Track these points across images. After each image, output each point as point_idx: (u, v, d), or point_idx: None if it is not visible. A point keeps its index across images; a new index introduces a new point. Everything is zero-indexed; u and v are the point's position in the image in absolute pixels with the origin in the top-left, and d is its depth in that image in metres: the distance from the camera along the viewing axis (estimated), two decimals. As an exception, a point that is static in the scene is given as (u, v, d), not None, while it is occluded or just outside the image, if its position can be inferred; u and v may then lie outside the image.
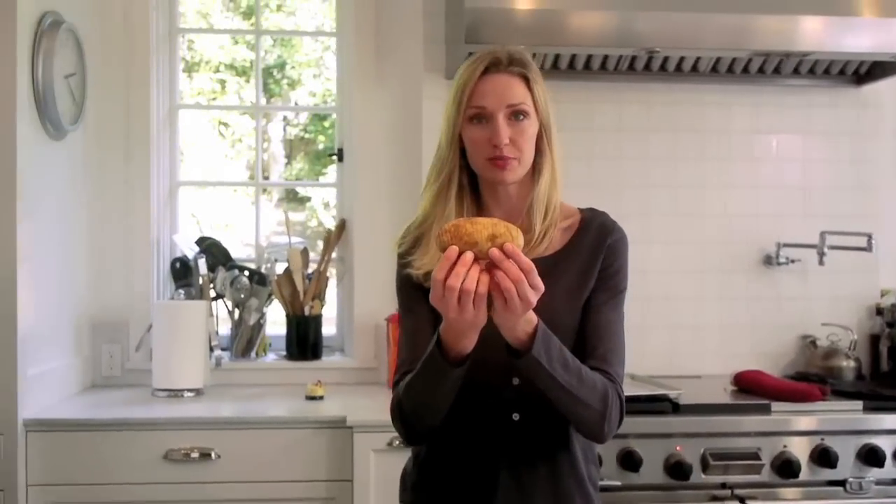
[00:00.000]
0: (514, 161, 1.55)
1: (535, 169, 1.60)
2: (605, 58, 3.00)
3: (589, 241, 1.63)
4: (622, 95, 3.13)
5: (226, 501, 2.49)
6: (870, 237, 2.94)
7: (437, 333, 1.44)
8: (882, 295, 3.20)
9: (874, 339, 3.16)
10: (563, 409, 1.49)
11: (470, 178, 1.62)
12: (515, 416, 1.57)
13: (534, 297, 1.33)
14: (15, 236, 2.42)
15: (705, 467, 2.49)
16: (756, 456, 2.50)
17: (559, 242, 1.62)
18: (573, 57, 2.99)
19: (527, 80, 1.57)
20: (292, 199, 4.07)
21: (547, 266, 1.55)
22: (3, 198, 2.42)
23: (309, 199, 4.29)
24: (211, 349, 2.97)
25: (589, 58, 3.00)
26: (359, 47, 3.19)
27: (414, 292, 1.62)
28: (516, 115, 1.55)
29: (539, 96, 1.58)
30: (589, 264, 1.61)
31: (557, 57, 2.98)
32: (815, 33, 2.77)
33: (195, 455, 2.50)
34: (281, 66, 4.23)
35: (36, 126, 2.60)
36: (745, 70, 3.09)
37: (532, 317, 1.40)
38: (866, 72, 3.14)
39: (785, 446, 2.52)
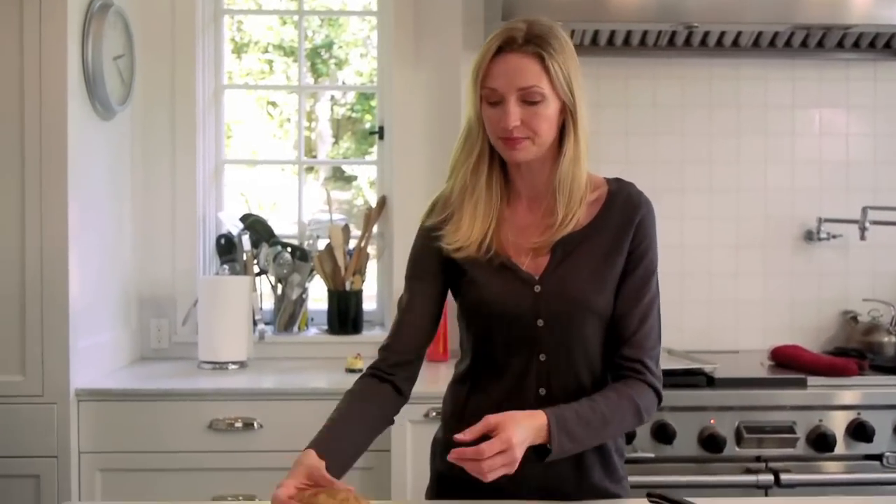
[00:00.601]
0: (525, 141, 1.55)
1: (559, 147, 1.60)
2: (644, 34, 3.00)
3: (616, 217, 1.62)
4: (658, 71, 3.13)
5: (267, 469, 2.53)
6: (912, 212, 2.91)
7: None
8: (925, 271, 3.17)
9: (915, 315, 3.13)
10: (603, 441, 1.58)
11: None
12: (542, 391, 1.60)
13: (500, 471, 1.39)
14: (66, 213, 2.51)
15: (739, 440, 2.51)
16: (791, 430, 2.51)
17: (586, 217, 1.62)
18: (612, 33, 2.99)
19: (542, 60, 1.53)
20: (339, 177, 4.12)
21: (574, 242, 1.58)
22: (54, 177, 2.51)
23: (355, 177, 4.34)
24: (254, 323, 3.04)
25: (628, 34, 3.00)
26: (399, 27, 3.22)
27: (429, 265, 1.66)
28: (529, 97, 1.53)
29: (557, 75, 1.53)
30: (616, 240, 1.61)
31: (597, 33, 2.98)
32: (860, 6, 2.75)
33: (238, 425, 2.58)
34: (328, 45, 4.28)
35: (86, 107, 2.69)
36: (787, 44, 3.06)
37: (534, 425, 1.44)
38: (909, 45, 3.09)
39: (820, 420, 2.52)
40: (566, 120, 1.58)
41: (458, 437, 1.41)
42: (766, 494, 2.47)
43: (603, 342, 1.62)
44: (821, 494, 2.45)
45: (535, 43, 1.52)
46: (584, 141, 1.60)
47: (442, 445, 1.71)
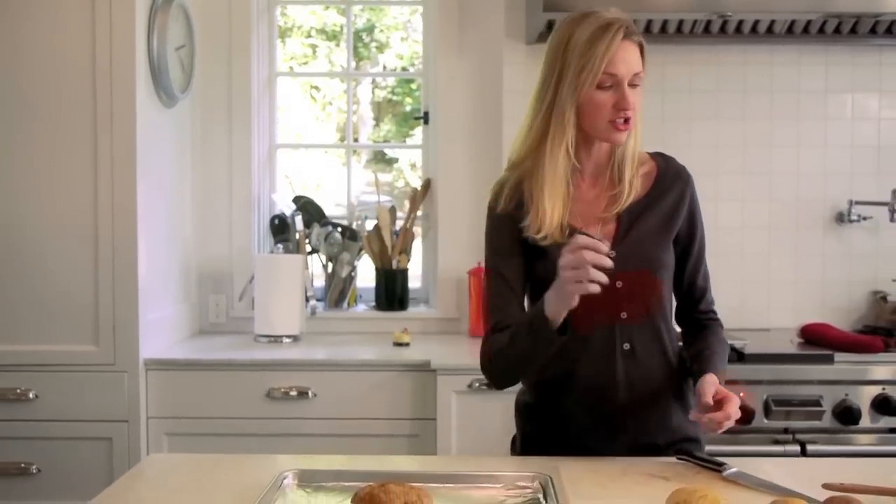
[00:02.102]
0: (630, 123, 1.69)
1: None
2: (680, 22, 3.09)
3: (671, 188, 1.79)
4: (693, 57, 3.23)
5: (321, 435, 2.73)
6: (941, 195, 3.00)
7: (539, 308, 1.61)
8: (955, 252, 3.25)
9: (945, 296, 3.22)
10: None
11: None
12: (626, 347, 1.73)
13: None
14: (135, 195, 2.69)
15: (768, 412, 2.63)
16: (818, 403, 2.63)
17: (643, 188, 1.77)
18: (649, 21, 3.09)
19: (641, 48, 1.68)
20: (380, 160, 4.25)
21: (637, 210, 1.75)
22: (125, 161, 2.69)
23: (396, 160, 4.47)
24: (307, 299, 3.21)
25: (665, 22, 3.10)
26: (443, 14, 3.35)
27: (510, 247, 1.76)
28: (636, 82, 1.67)
29: (646, 64, 1.69)
30: (673, 208, 1.78)
31: (634, 22, 3.07)
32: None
33: (293, 393, 2.76)
34: (370, 29, 4.39)
35: (151, 95, 2.87)
36: (821, 31, 3.14)
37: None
38: (944, 31, 3.16)
39: (846, 394, 2.63)
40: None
41: (705, 400, 1.61)
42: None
43: (668, 295, 1.80)
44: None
45: (636, 34, 1.68)
46: (641, 117, 1.75)
47: (530, 408, 1.84)
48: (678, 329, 1.92)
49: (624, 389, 1.73)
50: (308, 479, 1.51)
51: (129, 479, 1.57)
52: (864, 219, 3.22)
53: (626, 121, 1.67)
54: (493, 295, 1.79)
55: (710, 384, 1.64)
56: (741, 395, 2.56)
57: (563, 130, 1.68)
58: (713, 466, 1.59)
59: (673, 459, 1.66)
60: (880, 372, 2.67)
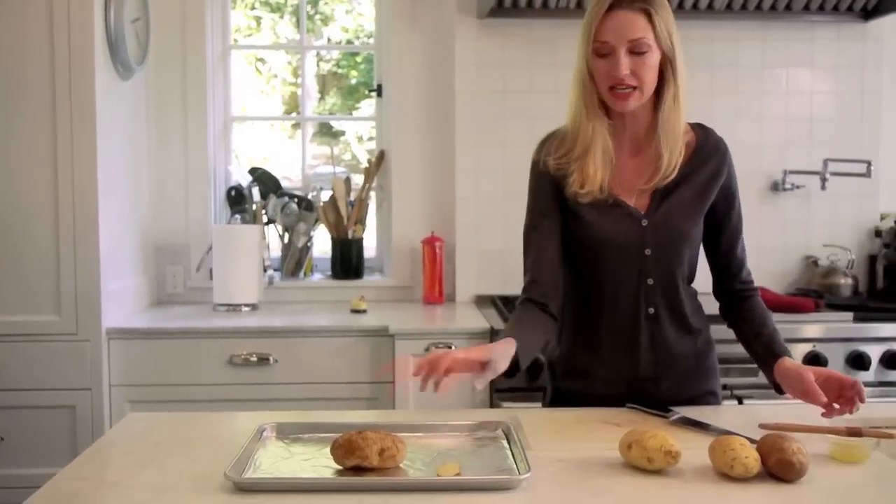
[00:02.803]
0: (634, 91, 1.71)
1: (659, 96, 1.76)
2: (624, -2, 3.21)
3: (707, 159, 1.83)
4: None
5: (282, 400, 2.82)
6: (869, 164, 3.19)
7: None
8: (882, 218, 3.44)
9: (872, 260, 3.42)
10: None
11: (603, 103, 1.78)
12: (650, 311, 1.82)
13: None
14: (96, 166, 2.73)
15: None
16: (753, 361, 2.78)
17: (681, 160, 1.79)
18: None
19: (648, 15, 1.69)
20: (326, 133, 4.30)
21: (673, 182, 1.79)
22: (85, 132, 2.72)
23: (343, 132, 4.53)
24: (264, 269, 3.28)
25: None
26: (396, -11, 3.43)
27: (550, 201, 1.83)
28: (637, 48, 1.69)
29: (660, 29, 1.70)
30: (710, 181, 1.82)
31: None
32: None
33: (254, 359, 2.84)
34: (314, 2, 4.43)
35: (109, 67, 2.89)
36: (758, 7, 3.29)
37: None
38: (873, 7, 3.32)
39: (780, 352, 2.80)
40: (665, 70, 1.74)
41: (822, 401, 1.63)
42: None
43: (690, 265, 1.87)
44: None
45: (641, 0, 1.69)
46: (683, 88, 1.78)
47: (559, 366, 1.93)
48: (715, 301, 2.00)
49: (646, 351, 1.82)
50: (286, 432, 1.60)
51: (113, 435, 1.64)
52: (798, 187, 3.39)
53: (624, 87, 1.70)
54: (527, 251, 1.87)
55: (805, 379, 1.67)
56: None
57: (591, 96, 1.76)
58: (660, 413, 1.72)
59: (624, 409, 1.78)
60: (811, 330, 2.84)
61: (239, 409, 2.75)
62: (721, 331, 2.78)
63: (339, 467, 1.39)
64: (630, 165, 1.82)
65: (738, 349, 2.76)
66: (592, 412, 1.75)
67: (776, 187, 3.41)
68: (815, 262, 3.38)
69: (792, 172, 3.38)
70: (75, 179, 2.72)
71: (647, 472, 1.40)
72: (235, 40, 3.70)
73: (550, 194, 1.84)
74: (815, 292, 3.22)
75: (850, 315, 2.90)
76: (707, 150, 1.85)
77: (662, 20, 1.71)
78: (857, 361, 2.81)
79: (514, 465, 1.42)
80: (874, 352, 2.82)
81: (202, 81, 3.39)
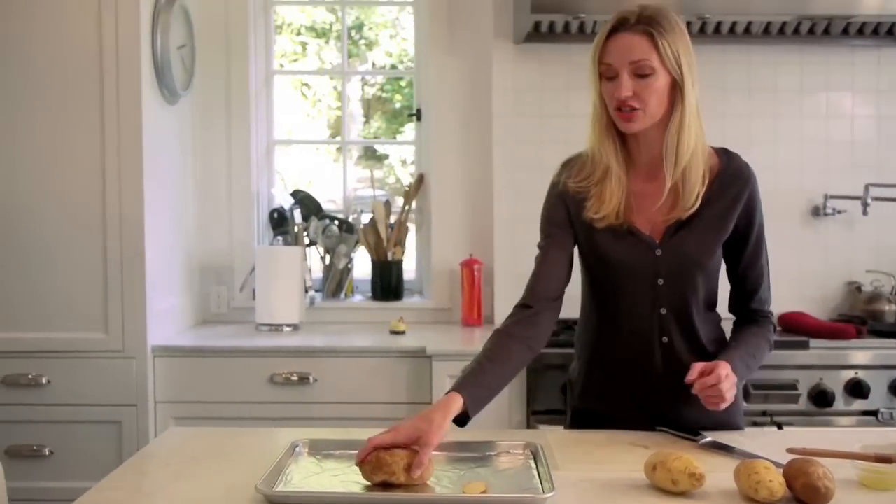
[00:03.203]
0: (637, 112, 1.72)
1: (665, 119, 1.76)
2: (662, 23, 3.22)
3: (728, 188, 1.81)
4: (677, 58, 3.36)
5: (321, 419, 2.86)
6: (912, 189, 3.15)
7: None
8: (927, 244, 3.40)
9: (917, 286, 3.37)
10: None
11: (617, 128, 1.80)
12: (664, 340, 1.83)
13: None
14: (142, 188, 2.81)
15: (747, 396, 2.76)
16: (794, 387, 2.77)
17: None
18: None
19: (651, 37, 1.70)
20: (371, 156, 4.37)
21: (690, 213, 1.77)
22: (132, 155, 2.81)
23: (387, 156, 4.60)
24: (306, 290, 3.33)
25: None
26: (433, 14, 3.48)
27: (562, 220, 1.86)
28: (640, 71, 1.70)
29: (665, 51, 1.70)
30: (728, 209, 1.80)
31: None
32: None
33: (295, 378, 2.89)
34: (359, 27, 4.50)
35: (155, 92, 2.98)
36: (796, 32, 3.28)
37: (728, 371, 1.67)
38: (913, 31, 3.30)
39: (821, 379, 2.78)
40: (674, 93, 1.75)
41: (689, 379, 1.66)
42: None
43: (708, 292, 1.85)
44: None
45: (645, 23, 1.71)
46: (693, 114, 1.77)
47: (580, 386, 1.95)
48: (725, 316, 1.96)
49: (661, 380, 1.82)
50: (318, 449, 1.63)
51: (152, 448, 1.70)
52: (839, 212, 3.36)
53: (628, 109, 1.72)
54: (535, 267, 1.88)
55: (704, 364, 1.69)
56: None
57: (601, 120, 1.80)
58: (690, 437, 1.72)
59: (654, 432, 1.79)
60: (853, 357, 2.81)
61: (278, 427, 2.84)
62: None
63: (368, 483, 1.42)
64: (646, 190, 1.82)
65: (777, 375, 2.78)
66: (621, 434, 1.77)
67: (817, 212, 3.38)
68: (859, 288, 3.34)
69: (833, 197, 3.35)
70: (122, 202, 2.80)
71: (671, 494, 1.41)
72: (281, 65, 3.80)
73: (563, 214, 1.86)
74: (859, 318, 3.18)
75: (894, 342, 2.87)
76: (728, 177, 1.83)
77: (668, 42, 1.71)
78: (900, 388, 2.77)
79: (540, 485, 1.44)
80: (918, 379, 2.79)
81: (246, 106, 3.47)
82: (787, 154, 3.40)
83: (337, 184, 3.72)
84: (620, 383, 1.86)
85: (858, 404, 2.78)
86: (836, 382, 2.78)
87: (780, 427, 2.72)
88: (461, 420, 1.64)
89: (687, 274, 1.80)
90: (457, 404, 1.60)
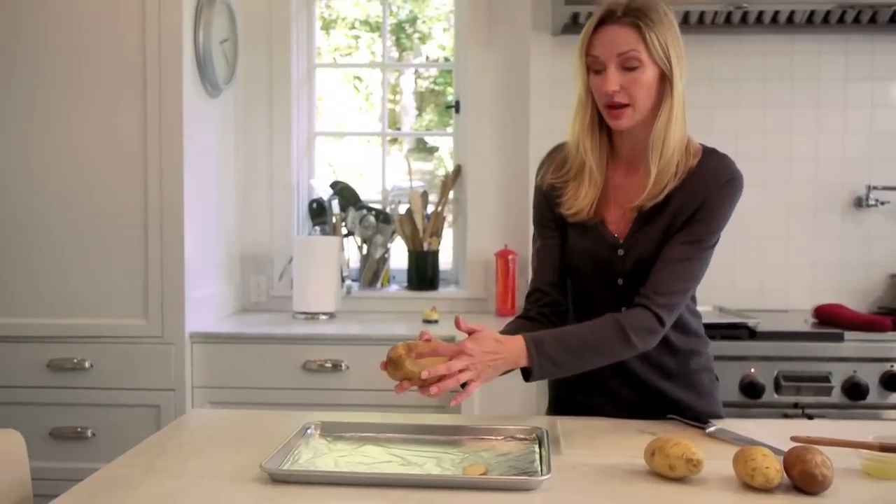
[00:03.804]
0: (626, 108, 1.68)
1: (652, 112, 1.71)
2: (702, 13, 3.20)
3: (696, 186, 1.73)
4: (714, 47, 3.33)
5: (353, 405, 2.91)
6: (956, 180, 3.08)
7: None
8: (973, 236, 3.31)
9: (962, 278, 3.29)
10: (596, 367, 1.71)
11: (600, 119, 1.77)
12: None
13: (464, 376, 1.59)
14: (182, 180, 2.89)
15: (778, 388, 2.74)
16: (827, 379, 2.73)
17: (672, 185, 1.73)
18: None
19: (639, 28, 1.65)
20: (422, 148, 4.40)
21: (655, 209, 1.74)
22: (172, 148, 2.89)
23: (437, 148, 4.63)
24: (342, 279, 3.39)
25: (686, 14, 3.20)
26: (472, 7, 3.51)
27: (549, 217, 1.86)
28: (626, 63, 1.67)
29: (653, 43, 1.65)
30: (680, 209, 1.73)
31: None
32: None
33: (328, 365, 2.94)
34: (412, 20, 4.54)
35: (198, 86, 3.06)
36: (841, 20, 3.22)
37: (511, 351, 1.63)
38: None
39: (855, 371, 2.74)
40: (662, 86, 1.69)
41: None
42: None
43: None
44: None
45: (632, 15, 1.66)
46: (680, 107, 1.71)
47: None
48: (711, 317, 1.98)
49: (628, 379, 1.82)
50: (329, 431, 1.68)
51: (172, 429, 1.76)
52: (882, 203, 3.30)
53: (616, 105, 1.68)
54: (533, 259, 1.92)
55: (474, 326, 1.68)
56: (752, 370, 2.72)
57: (584, 114, 1.76)
58: (698, 425, 1.72)
59: (663, 420, 1.79)
60: (889, 350, 2.76)
61: (313, 412, 2.90)
62: (790, 347, 2.77)
63: (371, 462, 1.47)
64: (624, 183, 1.81)
65: (810, 367, 2.75)
66: (631, 422, 1.77)
67: (860, 203, 3.33)
68: (901, 280, 3.28)
69: (876, 188, 3.29)
70: (163, 192, 2.89)
71: (669, 480, 1.42)
72: (335, 59, 3.85)
73: (545, 209, 1.87)
74: (899, 311, 3.13)
75: (931, 334, 2.81)
76: (700, 177, 1.74)
77: (656, 35, 1.66)
78: (937, 382, 2.72)
79: (539, 469, 1.46)
80: (955, 372, 2.73)
81: (287, 98, 3.54)
82: (829, 144, 3.35)
83: (388, 175, 3.76)
84: (592, 375, 1.80)
85: (893, 398, 2.74)
86: (870, 375, 2.74)
87: (811, 419, 2.69)
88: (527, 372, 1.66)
89: (646, 274, 1.75)
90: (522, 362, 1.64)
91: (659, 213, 1.75)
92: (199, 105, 3.07)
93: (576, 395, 1.90)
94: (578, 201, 1.78)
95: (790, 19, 3.23)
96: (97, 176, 2.91)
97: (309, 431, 1.66)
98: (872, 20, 3.21)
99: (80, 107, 2.91)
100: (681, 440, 1.44)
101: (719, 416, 1.88)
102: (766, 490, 1.37)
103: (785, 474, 1.39)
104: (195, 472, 1.44)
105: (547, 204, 1.87)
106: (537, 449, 1.58)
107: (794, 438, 1.52)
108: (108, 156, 2.91)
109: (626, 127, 1.72)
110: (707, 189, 1.72)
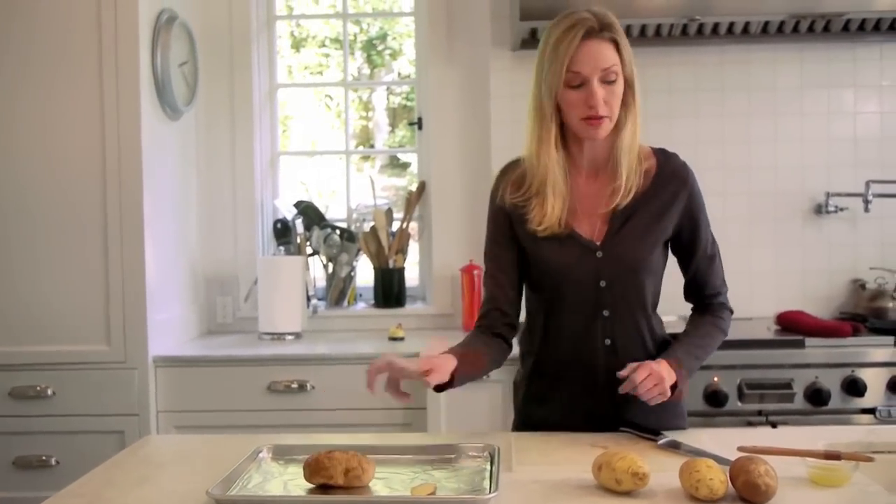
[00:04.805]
0: (605, 119, 1.73)
1: (619, 122, 1.77)
2: (658, 26, 3.23)
3: (667, 186, 1.83)
4: (672, 58, 3.36)
5: (319, 426, 2.90)
6: (913, 184, 3.12)
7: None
8: (933, 240, 3.35)
9: (922, 282, 3.32)
10: None
11: (560, 130, 1.81)
12: (607, 342, 1.83)
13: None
14: (142, 203, 2.88)
15: (741, 396, 2.76)
16: (789, 386, 2.76)
17: (641, 186, 1.81)
18: (628, 27, 3.21)
19: (616, 44, 1.73)
20: (395, 164, 4.41)
21: (630, 209, 1.80)
22: (131, 172, 2.88)
23: (409, 164, 4.64)
24: (308, 298, 3.39)
25: (643, 27, 3.23)
26: (432, 24, 3.52)
27: (506, 236, 1.88)
28: (607, 77, 1.72)
29: (626, 57, 1.74)
30: (667, 207, 1.82)
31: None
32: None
33: (294, 386, 2.93)
34: (383, 37, 4.56)
35: (156, 109, 3.06)
36: (795, 30, 3.26)
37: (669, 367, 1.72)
38: (914, 26, 3.26)
39: (817, 377, 2.76)
40: (626, 95, 1.77)
41: (621, 373, 1.72)
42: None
43: (652, 293, 1.87)
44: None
45: (609, 30, 1.73)
46: (639, 115, 1.80)
47: (523, 391, 1.97)
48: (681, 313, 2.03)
49: (604, 382, 1.83)
50: (281, 454, 1.67)
51: (125, 455, 1.75)
52: (841, 209, 3.33)
53: (599, 118, 1.73)
54: (488, 278, 1.93)
55: (638, 363, 1.72)
56: (714, 378, 2.73)
57: (549, 129, 1.78)
58: (650, 437, 1.73)
59: (616, 433, 1.80)
60: (849, 355, 2.79)
61: (277, 434, 2.89)
62: (752, 355, 2.79)
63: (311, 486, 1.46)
64: (588, 191, 1.84)
65: (772, 374, 2.76)
66: (583, 436, 1.78)
67: (819, 210, 3.36)
68: (863, 286, 3.31)
69: (835, 195, 3.33)
70: (123, 216, 2.88)
71: (616, 494, 1.43)
72: (305, 76, 3.85)
73: (505, 227, 1.88)
74: (861, 316, 3.15)
75: (891, 339, 2.84)
76: (665, 175, 1.84)
77: (626, 49, 1.75)
78: (898, 386, 2.74)
79: (488, 486, 1.46)
80: (917, 376, 2.76)
81: (249, 119, 3.54)
82: (787, 153, 3.38)
83: (353, 193, 3.75)
84: (563, 386, 1.87)
85: (855, 402, 2.76)
86: (832, 381, 2.77)
87: (774, 426, 2.71)
88: (440, 388, 1.74)
89: (628, 275, 1.82)
90: (451, 366, 1.72)
91: (633, 214, 1.81)
92: (158, 128, 3.06)
93: (544, 414, 1.90)
94: (547, 216, 1.79)
95: (746, 30, 3.26)
96: (55, 200, 2.90)
97: (261, 455, 1.66)
98: (826, 29, 3.25)
99: (37, 131, 2.90)
100: (627, 454, 1.45)
101: (683, 428, 1.91)
102: (711, 501, 1.38)
103: (731, 485, 1.40)
104: (141, 501, 1.43)
105: (508, 223, 1.88)
106: (488, 466, 1.58)
107: (740, 448, 1.53)
108: (66, 180, 2.89)
109: (602, 137, 1.77)
110: (682, 186, 1.84)
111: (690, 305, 2.00)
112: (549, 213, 1.79)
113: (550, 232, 1.81)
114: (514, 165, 1.90)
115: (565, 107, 1.76)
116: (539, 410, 1.92)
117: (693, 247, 1.89)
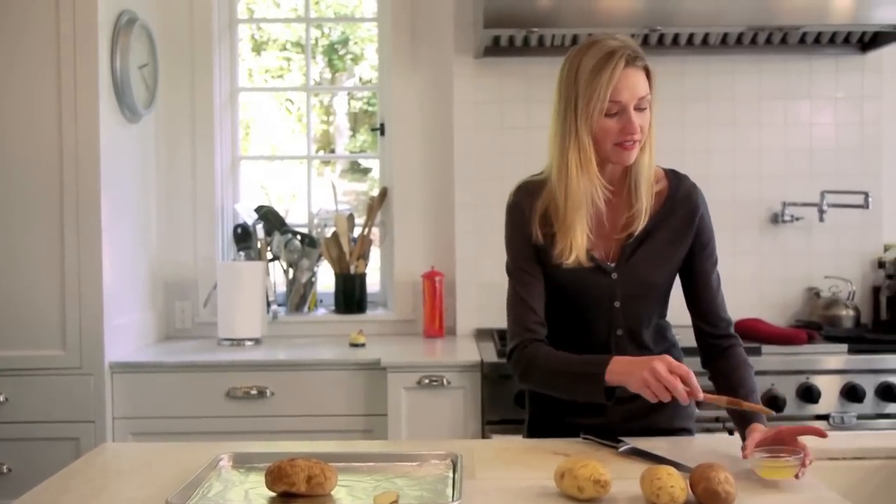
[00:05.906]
0: (637, 143, 1.76)
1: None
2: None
3: (679, 210, 1.85)
4: (632, 69, 3.39)
5: (279, 432, 2.87)
6: (867, 195, 3.18)
7: (600, 365, 1.71)
8: (885, 250, 3.42)
9: (876, 291, 3.39)
10: None
11: None
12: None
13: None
14: (99, 207, 2.84)
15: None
16: (743, 395, 2.78)
17: (653, 209, 1.83)
18: (589, 35, 3.24)
19: (647, 71, 1.76)
20: (356, 169, 4.40)
21: (644, 231, 1.81)
22: (88, 175, 2.84)
23: (370, 169, 4.63)
24: (268, 304, 3.36)
25: (603, 36, 3.26)
26: (396, 31, 3.52)
27: (532, 259, 1.85)
28: (642, 105, 1.75)
29: (654, 84, 1.77)
30: (681, 230, 1.85)
31: (575, 37, 3.23)
32: (807, 8, 2.99)
33: (253, 392, 2.91)
34: (344, 41, 4.55)
35: (115, 112, 3.02)
36: (753, 41, 3.32)
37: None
38: (870, 39, 3.33)
39: (772, 384, 2.80)
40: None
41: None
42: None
43: (660, 311, 1.91)
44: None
45: (642, 58, 1.76)
46: (655, 137, 1.83)
47: (534, 395, 1.96)
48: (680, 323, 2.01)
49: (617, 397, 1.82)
50: (242, 462, 1.65)
51: (81, 464, 1.72)
52: (797, 219, 3.39)
53: (634, 142, 1.74)
54: (521, 297, 1.87)
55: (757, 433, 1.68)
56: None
57: (588, 158, 1.76)
58: (611, 444, 1.74)
59: (579, 439, 1.81)
60: (804, 362, 2.83)
61: (237, 441, 2.86)
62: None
63: (272, 495, 1.45)
64: (604, 213, 1.83)
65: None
66: (546, 443, 1.79)
67: (776, 219, 3.41)
68: (818, 294, 3.37)
69: (791, 204, 3.38)
70: (80, 219, 2.83)
71: (579, 501, 1.43)
72: (265, 80, 3.82)
73: (532, 253, 1.86)
74: (816, 324, 3.21)
75: (844, 347, 2.89)
76: (678, 199, 1.86)
77: (654, 75, 1.78)
78: (852, 394, 2.79)
79: (451, 494, 1.46)
80: (869, 383, 2.80)
81: (210, 123, 3.51)
82: (745, 162, 3.43)
83: (314, 198, 3.73)
84: (578, 405, 1.84)
85: (809, 409, 2.80)
86: (788, 388, 2.81)
87: (731, 433, 2.73)
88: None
89: (642, 296, 1.85)
90: None
91: (647, 237, 1.83)
92: (117, 131, 3.02)
93: (563, 417, 1.90)
94: (576, 249, 1.79)
95: (705, 41, 3.31)
96: (10, 202, 2.85)
97: (221, 463, 1.64)
98: (783, 41, 3.31)
99: (-8, 134, 2.85)
100: (589, 461, 1.46)
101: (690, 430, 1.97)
102: (672, 509, 1.39)
103: (691, 492, 1.41)
104: (99, 510, 1.41)
105: (535, 251, 1.86)
106: (451, 474, 1.58)
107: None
108: (22, 181, 2.84)
109: (633, 161, 1.78)
110: (695, 209, 1.86)
111: (699, 329, 1.96)
112: (578, 246, 1.78)
113: (576, 264, 1.80)
114: (536, 187, 1.87)
115: (601, 134, 1.75)
116: (552, 414, 1.92)
117: (705, 271, 1.89)
